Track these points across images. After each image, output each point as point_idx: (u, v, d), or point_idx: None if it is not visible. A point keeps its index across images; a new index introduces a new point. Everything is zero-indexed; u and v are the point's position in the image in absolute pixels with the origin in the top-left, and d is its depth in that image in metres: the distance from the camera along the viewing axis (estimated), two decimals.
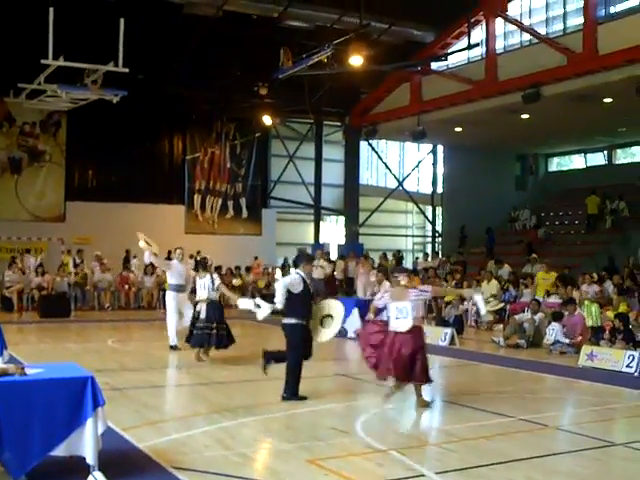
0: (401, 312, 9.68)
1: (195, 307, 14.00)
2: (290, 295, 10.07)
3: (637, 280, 20.29)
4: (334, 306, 10.90)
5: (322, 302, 11.06)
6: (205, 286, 13.82)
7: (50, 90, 21.56)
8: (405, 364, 9.60)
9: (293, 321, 10.12)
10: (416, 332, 9.71)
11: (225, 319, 13.85)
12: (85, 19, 23.28)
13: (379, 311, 11.14)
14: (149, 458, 7.18)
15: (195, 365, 13.39)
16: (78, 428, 6.35)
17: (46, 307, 22.32)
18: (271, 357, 10.61)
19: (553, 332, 15.81)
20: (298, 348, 10.17)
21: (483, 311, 11.95)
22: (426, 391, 10.09)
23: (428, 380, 9.84)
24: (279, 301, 10.15)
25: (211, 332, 13.52)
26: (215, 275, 14.30)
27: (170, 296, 15.24)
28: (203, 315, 13.59)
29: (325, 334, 10.65)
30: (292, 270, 10.75)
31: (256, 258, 28.95)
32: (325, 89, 28.56)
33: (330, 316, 10.67)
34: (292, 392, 10.06)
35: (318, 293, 23.94)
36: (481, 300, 11.49)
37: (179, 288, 15.22)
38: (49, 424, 6.25)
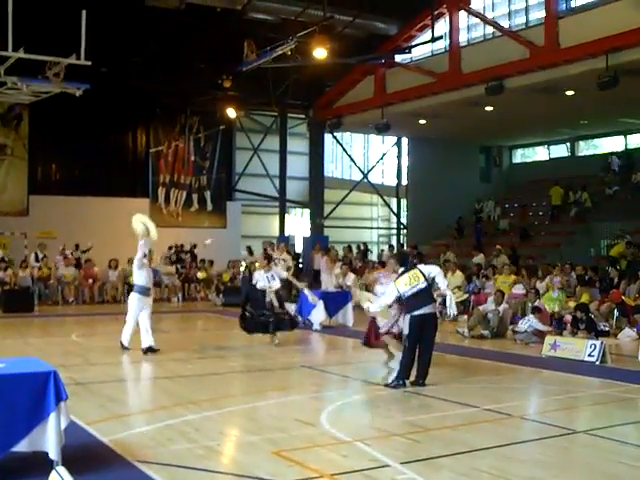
0: None
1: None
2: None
3: (598, 271, 20.55)
4: None
5: None
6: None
7: (10, 82, 21.25)
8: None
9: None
10: None
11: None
12: (47, 11, 23.03)
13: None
14: (113, 452, 7.14)
15: (160, 359, 13.34)
16: (41, 423, 6.30)
17: (9, 302, 22.12)
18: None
19: (527, 322, 15.89)
20: None
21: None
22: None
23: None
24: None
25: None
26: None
27: None
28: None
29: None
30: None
31: None
32: (289, 82, 28.55)
33: None
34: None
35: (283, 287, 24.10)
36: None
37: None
38: (10, 420, 6.20)
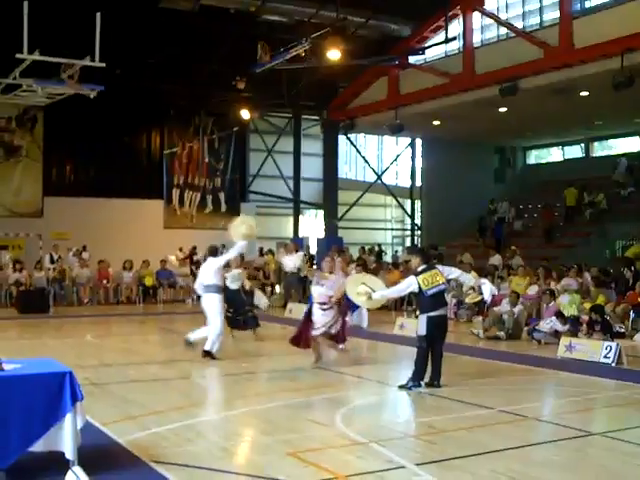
0: None
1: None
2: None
3: (612, 273, 20.41)
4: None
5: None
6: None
7: (26, 85, 21.37)
8: None
9: None
10: None
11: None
12: (61, 13, 23.10)
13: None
14: (129, 452, 7.16)
15: (175, 360, 13.36)
16: (57, 423, 6.32)
17: (25, 303, 22.20)
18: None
19: (550, 323, 15.83)
20: None
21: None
22: None
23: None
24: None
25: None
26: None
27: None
28: None
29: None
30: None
31: None
32: (303, 83, 28.55)
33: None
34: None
35: (292, 286, 24.14)
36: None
37: None
38: (27, 420, 6.22)
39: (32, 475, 6.37)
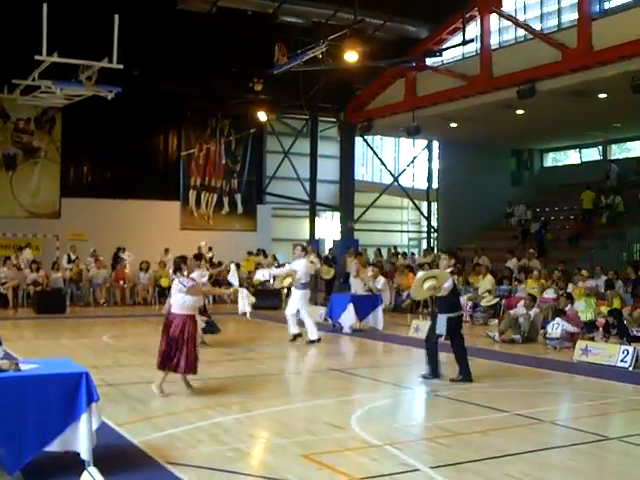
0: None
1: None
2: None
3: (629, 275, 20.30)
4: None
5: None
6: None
7: (44, 86, 21.50)
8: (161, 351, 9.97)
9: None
10: (175, 318, 9.95)
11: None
12: (79, 15, 23.21)
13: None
14: (144, 453, 7.19)
15: None
16: (72, 424, 6.36)
17: (41, 303, 22.30)
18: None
19: (557, 327, 15.76)
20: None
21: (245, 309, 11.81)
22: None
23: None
24: None
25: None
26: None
27: (300, 294, 15.68)
28: None
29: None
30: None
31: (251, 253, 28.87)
32: (320, 85, 28.53)
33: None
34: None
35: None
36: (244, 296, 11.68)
37: (306, 286, 15.80)
38: (43, 420, 6.27)
39: (48, 475, 6.41)
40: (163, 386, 10.01)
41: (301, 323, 16.06)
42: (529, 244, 27.32)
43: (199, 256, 14.65)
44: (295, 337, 15.90)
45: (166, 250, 25.88)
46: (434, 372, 11.52)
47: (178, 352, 9.76)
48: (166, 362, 9.84)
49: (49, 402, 6.30)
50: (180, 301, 9.92)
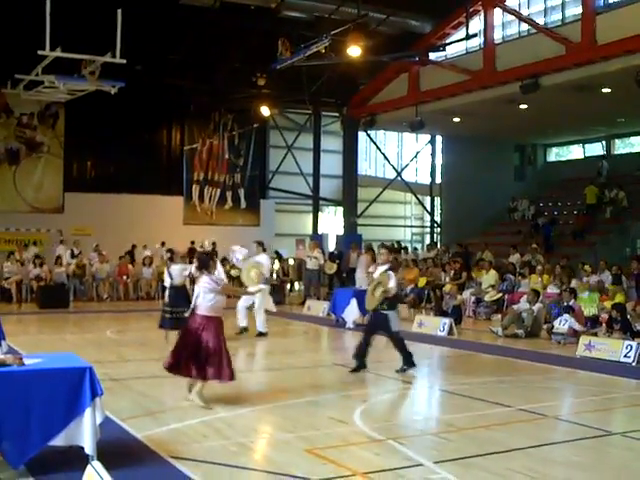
0: (197, 297, 9.15)
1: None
2: None
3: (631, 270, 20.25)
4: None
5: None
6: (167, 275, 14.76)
7: (47, 81, 21.51)
8: (188, 356, 8.90)
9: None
10: (205, 321, 8.98)
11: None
12: (82, 10, 23.20)
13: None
14: (148, 448, 7.20)
15: None
16: (76, 418, 6.37)
17: (45, 298, 22.32)
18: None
19: (565, 322, 15.76)
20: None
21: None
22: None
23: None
24: None
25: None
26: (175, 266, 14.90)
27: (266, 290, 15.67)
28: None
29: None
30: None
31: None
32: (323, 80, 28.51)
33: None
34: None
35: (312, 283, 24.17)
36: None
37: (266, 281, 15.71)
38: (48, 414, 6.27)
39: (52, 469, 6.41)
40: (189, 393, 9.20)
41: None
42: (536, 239, 27.30)
43: (192, 250, 14.71)
44: (242, 331, 15.93)
45: (162, 243, 25.88)
46: (410, 361, 11.68)
47: (216, 359, 8.85)
48: (198, 370, 8.85)
49: (53, 397, 6.30)
50: (211, 302, 8.98)
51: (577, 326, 15.56)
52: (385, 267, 11.65)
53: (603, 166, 30.31)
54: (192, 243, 25.94)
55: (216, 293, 9.00)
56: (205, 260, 9.33)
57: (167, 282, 14.96)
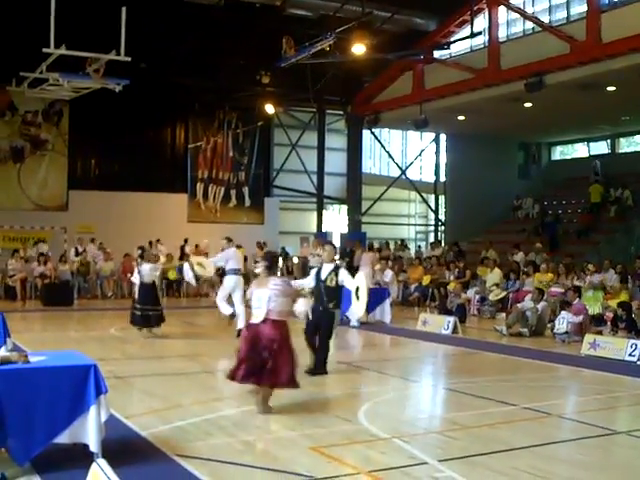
0: (260, 301, 8.66)
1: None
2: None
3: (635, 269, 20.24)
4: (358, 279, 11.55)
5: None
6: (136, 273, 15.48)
7: (52, 79, 21.50)
8: (263, 363, 8.49)
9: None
10: (276, 326, 8.62)
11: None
12: (87, 7, 23.22)
13: None
14: (152, 446, 7.20)
15: (198, 353, 13.42)
16: (81, 415, 6.37)
17: (49, 296, 22.36)
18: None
19: (563, 321, 15.75)
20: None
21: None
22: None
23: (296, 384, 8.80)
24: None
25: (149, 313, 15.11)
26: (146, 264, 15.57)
27: (231, 280, 15.76)
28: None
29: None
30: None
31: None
32: (328, 77, 28.50)
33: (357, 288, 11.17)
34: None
35: None
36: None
37: (237, 272, 15.87)
38: (52, 411, 6.28)
39: (57, 467, 6.42)
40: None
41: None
42: (542, 237, 27.28)
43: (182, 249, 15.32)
44: (232, 317, 16.07)
45: (157, 241, 25.91)
46: (324, 366, 11.28)
47: (286, 365, 8.56)
48: (264, 376, 8.48)
49: (58, 394, 6.31)
50: (282, 305, 8.65)
51: (576, 319, 15.53)
52: (331, 267, 11.28)
53: (596, 165, 30.42)
54: (185, 241, 26.11)
55: (286, 296, 8.71)
56: (273, 262, 9.01)
57: (136, 280, 15.63)
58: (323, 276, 11.12)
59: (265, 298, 8.54)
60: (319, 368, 11.07)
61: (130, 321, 15.49)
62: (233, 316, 15.93)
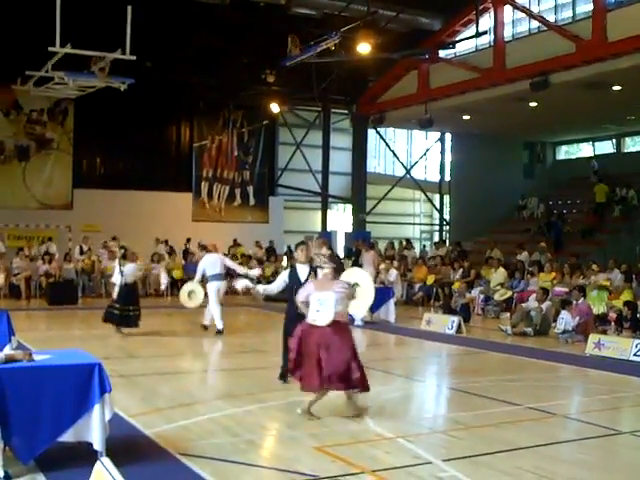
0: (323, 304, 8.44)
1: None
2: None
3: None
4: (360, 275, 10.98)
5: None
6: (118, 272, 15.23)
7: (57, 77, 21.54)
8: (338, 368, 8.32)
9: None
10: (343, 328, 8.58)
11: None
12: (92, 6, 23.24)
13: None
14: (156, 444, 7.21)
15: (202, 352, 13.42)
16: (85, 414, 6.38)
17: (54, 294, 22.36)
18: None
19: (563, 321, 15.74)
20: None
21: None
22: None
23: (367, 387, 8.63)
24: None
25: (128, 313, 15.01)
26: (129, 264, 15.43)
27: (214, 286, 15.81)
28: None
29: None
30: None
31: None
32: (333, 77, 28.49)
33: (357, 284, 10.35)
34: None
35: None
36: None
37: (218, 277, 15.89)
38: (57, 410, 6.28)
39: (61, 465, 6.42)
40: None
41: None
42: (547, 237, 27.24)
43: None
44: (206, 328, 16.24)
45: (157, 240, 25.95)
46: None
47: (357, 368, 8.42)
48: (341, 381, 8.36)
49: (62, 393, 6.31)
50: (345, 308, 8.65)
51: (573, 318, 15.50)
52: (307, 268, 10.21)
53: (595, 165, 30.74)
54: (188, 241, 26.14)
55: (349, 298, 8.64)
56: (340, 264, 8.75)
57: (117, 279, 15.36)
58: (303, 278, 10.01)
59: (331, 301, 8.36)
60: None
61: (105, 319, 15.34)
62: (206, 328, 16.15)
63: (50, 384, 6.29)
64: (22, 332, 12.97)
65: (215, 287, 15.68)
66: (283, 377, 10.13)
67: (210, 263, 15.80)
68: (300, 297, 8.84)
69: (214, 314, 15.78)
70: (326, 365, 8.22)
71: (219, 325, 15.61)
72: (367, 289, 10.95)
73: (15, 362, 6.34)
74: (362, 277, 11.11)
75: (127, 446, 7.05)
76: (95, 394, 6.40)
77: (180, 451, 6.95)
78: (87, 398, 6.38)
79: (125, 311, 15.09)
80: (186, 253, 26.71)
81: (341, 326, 8.46)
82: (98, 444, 6.33)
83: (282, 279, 10.45)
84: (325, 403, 8.96)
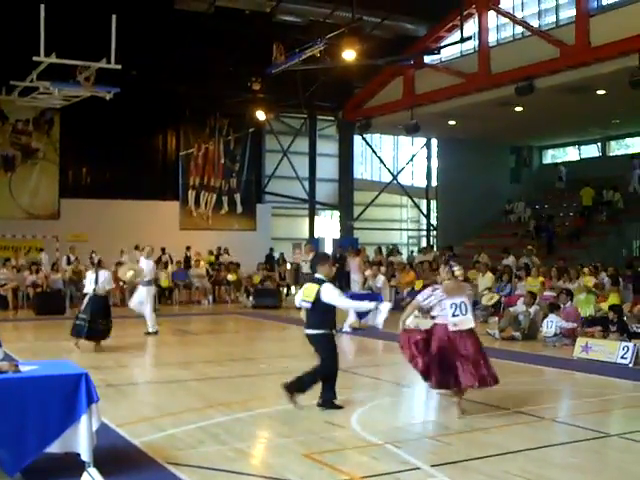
0: (460, 309, 8.98)
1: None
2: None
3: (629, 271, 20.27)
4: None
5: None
6: (91, 281, 14.72)
7: (43, 87, 21.47)
8: (477, 367, 8.91)
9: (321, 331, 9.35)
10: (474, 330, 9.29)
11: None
12: (77, 16, 23.23)
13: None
14: (144, 454, 7.18)
15: (190, 361, 13.39)
16: (73, 425, 6.35)
17: (41, 304, 22.27)
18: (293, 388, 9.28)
19: (551, 324, 15.77)
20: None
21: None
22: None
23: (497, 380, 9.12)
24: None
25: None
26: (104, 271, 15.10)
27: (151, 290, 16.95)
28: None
29: None
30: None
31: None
32: (318, 84, 28.55)
33: None
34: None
35: None
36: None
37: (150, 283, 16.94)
38: (43, 421, 6.25)
39: (48, 476, 6.40)
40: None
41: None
42: (536, 241, 27.30)
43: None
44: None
45: (136, 247, 25.75)
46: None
47: (486, 365, 9.05)
48: (482, 380, 8.93)
49: (49, 403, 6.28)
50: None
51: (565, 324, 15.55)
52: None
53: (562, 171, 31.19)
54: (162, 251, 26.22)
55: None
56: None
57: (89, 289, 14.73)
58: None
59: (468, 305, 9.08)
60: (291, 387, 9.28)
61: (71, 333, 14.55)
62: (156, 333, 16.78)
63: (36, 395, 6.26)
64: (9, 343, 12.91)
65: (152, 292, 17.00)
66: (326, 404, 9.25)
67: (151, 267, 16.93)
68: (422, 301, 9.42)
69: (149, 317, 16.82)
70: (474, 365, 8.86)
71: (152, 329, 16.72)
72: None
73: (1, 373, 6.31)
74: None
75: (115, 456, 7.02)
76: (82, 404, 6.37)
77: (169, 460, 6.93)
78: (74, 408, 6.35)
79: (95, 324, 14.33)
80: (159, 262, 26.47)
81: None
82: (86, 455, 6.31)
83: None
84: (313, 410, 8.96)
